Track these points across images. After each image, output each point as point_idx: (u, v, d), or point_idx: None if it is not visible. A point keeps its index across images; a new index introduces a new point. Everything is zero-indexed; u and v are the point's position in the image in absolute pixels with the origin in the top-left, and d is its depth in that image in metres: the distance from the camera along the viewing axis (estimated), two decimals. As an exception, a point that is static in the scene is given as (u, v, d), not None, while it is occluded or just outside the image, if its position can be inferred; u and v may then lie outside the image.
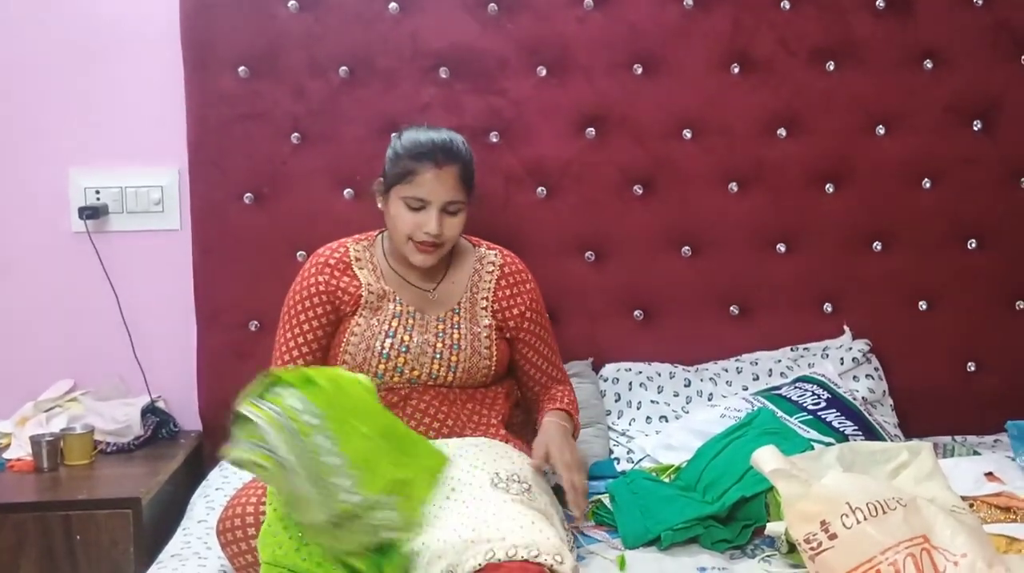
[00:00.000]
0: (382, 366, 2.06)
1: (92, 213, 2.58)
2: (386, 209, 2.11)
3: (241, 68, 2.50)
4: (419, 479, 1.71)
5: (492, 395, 2.14)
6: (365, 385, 1.74)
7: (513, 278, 2.20)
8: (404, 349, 2.06)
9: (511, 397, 2.20)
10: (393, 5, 2.53)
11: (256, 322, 2.55)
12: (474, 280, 2.17)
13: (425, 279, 2.15)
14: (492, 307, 2.15)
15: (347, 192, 2.54)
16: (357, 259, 2.15)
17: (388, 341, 2.06)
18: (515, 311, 2.17)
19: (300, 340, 2.10)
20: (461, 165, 2.08)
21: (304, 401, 1.61)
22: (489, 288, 2.17)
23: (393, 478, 1.66)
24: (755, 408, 2.34)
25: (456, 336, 2.10)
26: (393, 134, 2.20)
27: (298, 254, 2.52)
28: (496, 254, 2.22)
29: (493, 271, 2.19)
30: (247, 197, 2.54)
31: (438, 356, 2.08)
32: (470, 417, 2.10)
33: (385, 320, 2.09)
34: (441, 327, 2.10)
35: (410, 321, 2.09)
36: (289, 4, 2.50)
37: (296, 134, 2.54)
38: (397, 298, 2.12)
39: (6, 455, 2.40)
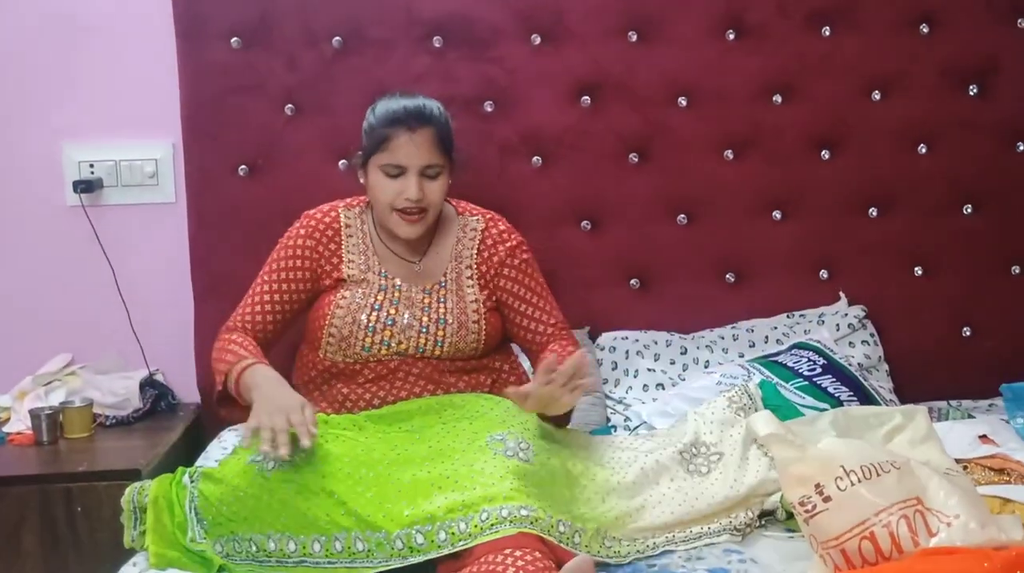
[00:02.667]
0: (368, 339, 2.04)
1: (87, 187, 2.57)
2: (366, 181, 2.10)
3: (234, 39, 2.49)
4: None
5: (480, 366, 2.12)
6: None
7: (492, 239, 2.16)
8: (390, 322, 2.05)
9: (497, 387, 2.12)
10: (385, -26, 2.51)
11: (253, 294, 2.55)
12: (458, 249, 2.14)
13: (411, 251, 2.13)
14: (477, 275, 2.13)
15: (341, 163, 2.53)
16: (347, 226, 2.13)
17: (374, 314, 2.05)
18: (494, 261, 2.13)
19: (267, 298, 2.09)
20: (435, 128, 2.05)
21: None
22: (472, 255, 2.14)
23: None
24: (751, 375, 2.34)
25: (443, 310, 2.08)
26: (369, 107, 2.14)
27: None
28: (478, 219, 2.18)
29: (475, 237, 2.16)
30: (242, 169, 2.53)
31: (424, 330, 2.06)
32: (462, 392, 2.08)
33: (371, 293, 2.08)
34: (427, 301, 2.09)
35: (396, 294, 2.08)
36: (281, -26, 2.49)
37: (290, 105, 2.53)
38: (383, 272, 2.11)
39: (6, 429, 2.41)
